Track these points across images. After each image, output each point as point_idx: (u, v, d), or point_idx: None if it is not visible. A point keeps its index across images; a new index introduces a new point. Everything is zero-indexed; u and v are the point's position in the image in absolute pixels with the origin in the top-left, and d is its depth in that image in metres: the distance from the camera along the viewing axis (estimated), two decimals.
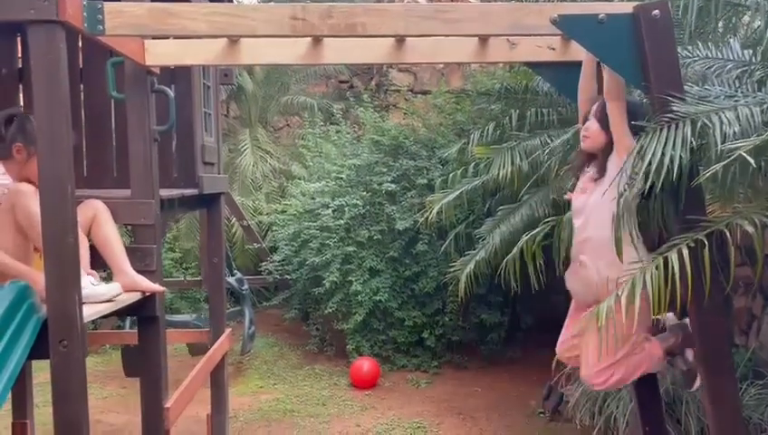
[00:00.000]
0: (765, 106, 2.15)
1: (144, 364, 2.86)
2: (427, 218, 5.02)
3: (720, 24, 3.45)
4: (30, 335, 2.00)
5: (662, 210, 2.58)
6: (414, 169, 6.32)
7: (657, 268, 1.97)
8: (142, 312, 2.74)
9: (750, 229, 1.98)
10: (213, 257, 4.24)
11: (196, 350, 5.40)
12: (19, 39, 3.83)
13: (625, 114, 2.33)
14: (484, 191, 5.08)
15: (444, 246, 5.66)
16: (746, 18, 3.12)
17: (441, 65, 7.85)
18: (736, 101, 2.30)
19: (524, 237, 3.16)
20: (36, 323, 2.03)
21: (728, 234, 2.01)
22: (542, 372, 5.11)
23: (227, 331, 4.18)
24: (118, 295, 2.45)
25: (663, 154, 2.00)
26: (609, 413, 4.40)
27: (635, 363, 2.54)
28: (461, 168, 5.12)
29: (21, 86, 3.83)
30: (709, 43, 3.11)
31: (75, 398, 2.08)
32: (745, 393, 3.99)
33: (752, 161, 1.83)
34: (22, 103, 3.81)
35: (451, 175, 5.23)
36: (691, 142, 1.99)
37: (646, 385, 2.81)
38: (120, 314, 3.58)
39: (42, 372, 4.29)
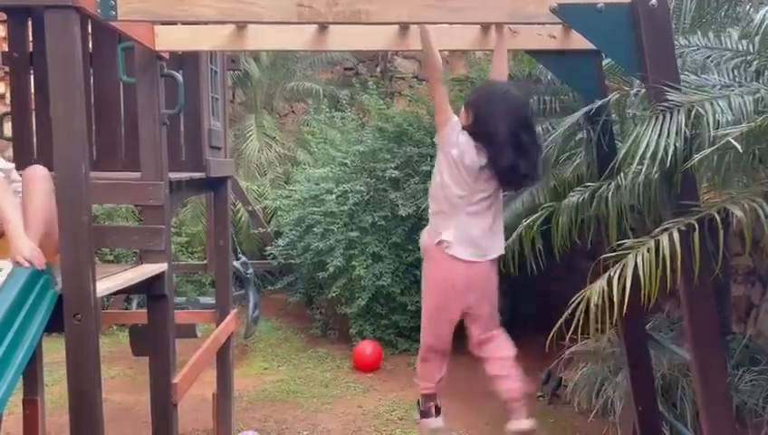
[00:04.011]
0: (758, 96, 2.20)
1: (153, 341, 2.95)
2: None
3: (722, 13, 3.50)
4: (46, 309, 2.08)
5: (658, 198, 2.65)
6: (417, 156, 6.37)
7: (648, 251, 2.03)
8: (152, 290, 2.83)
9: (739, 214, 2.04)
10: (219, 240, 4.32)
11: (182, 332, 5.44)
12: (30, 23, 3.90)
13: (445, 94, 2.51)
14: None
15: None
16: (744, 9, 3.16)
17: (446, 53, 7.89)
18: (731, 90, 2.36)
19: (524, 222, 3.22)
20: (52, 297, 2.11)
21: (718, 219, 2.07)
22: (541, 357, 5.18)
23: (233, 312, 4.26)
24: None
25: (657, 141, 2.06)
26: (607, 397, 4.49)
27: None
28: None
29: (32, 70, 3.91)
30: (709, 33, 3.15)
31: (88, 370, 2.16)
32: (741, 380, 4.06)
33: (739, 147, 1.89)
34: (33, 86, 3.88)
35: None
36: (685, 131, 2.05)
37: (639, 367, 2.89)
38: (130, 292, 3.67)
39: (49, 353, 4.40)
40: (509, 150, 2.37)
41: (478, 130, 2.42)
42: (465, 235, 2.48)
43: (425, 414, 2.81)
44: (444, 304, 2.57)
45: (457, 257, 2.47)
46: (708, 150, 1.96)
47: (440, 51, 2.57)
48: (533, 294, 6.44)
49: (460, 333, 6.99)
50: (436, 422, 2.80)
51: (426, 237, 2.62)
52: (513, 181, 2.51)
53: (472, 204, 2.47)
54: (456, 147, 2.43)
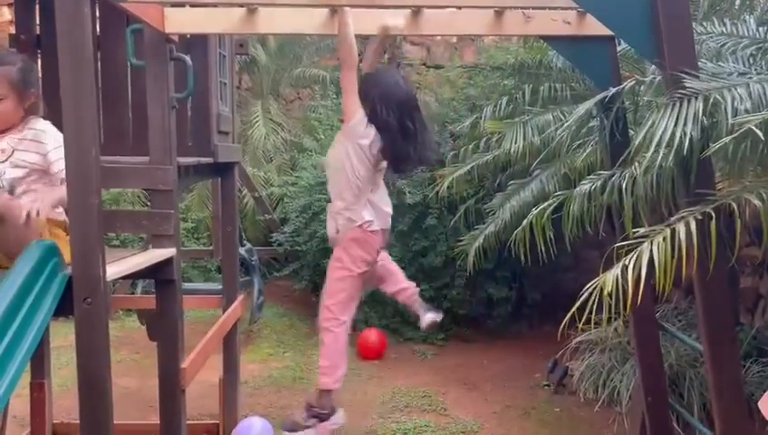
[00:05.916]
0: None
1: (161, 326, 2.94)
2: (437, 192, 5.05)
3: (738, 0, 3.45)
4: (55, 293, 2.07)
5: (672, 187, 2.62)
6: None
7: (664, 239, 2.01)
8: (160, 275, 2.81)
9: (757, 203, 2.02)
10: (227, 226, 4.30)
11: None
12: (37, 6, 3.87)
13: (355, 83, 2.59)
14: (495, 166, 5.10)
15: (453, 220, 5.70)
16: None
17: (455, 39, 7.82)
18: (749, 78, 2.32)
19: (534, 211, 3.20)
20: (61, 280, 2.09)
21: (736, 208, 2.05)
22: (547, 346, 5.18)
23: (240, 297, 4.26)
24: None
25: (674, 130, 2.03)
26: (613, 387, 4.48)
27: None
28: (472, 142, 5.14)
29: (39, 52, 3.88)
30: (725, 20, 3.10)
31: (98, 354, 2.15)
32: (748, 371, 4.05)
33: (761, 134, 1.86)
34: (40, 70, 3.85)
35: (462, 150, 5.25)
36: (702, 120, 2.02)
37: (649, 356, 2.87)
38: (138, 277, 3.65)
39: (57, 337, 4.41)
40: (401, 140, 2.58)
41: (375, 121, 2.58)
42: (375, 211, 2.77)
43: (323, 416, 2.68)
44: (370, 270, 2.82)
45: (376, 231, 2.76)
46: (727, 138, 1.93)
47: (449, 36, 2.58)
48: (540, 284, 6.43)
49: (467, 324, 6.99)
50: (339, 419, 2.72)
51: (341, 225, 2.80)
52: (404, 170, 2.80)
53: (374, 186, 2.76)
54: (366, 137, 2.58)
